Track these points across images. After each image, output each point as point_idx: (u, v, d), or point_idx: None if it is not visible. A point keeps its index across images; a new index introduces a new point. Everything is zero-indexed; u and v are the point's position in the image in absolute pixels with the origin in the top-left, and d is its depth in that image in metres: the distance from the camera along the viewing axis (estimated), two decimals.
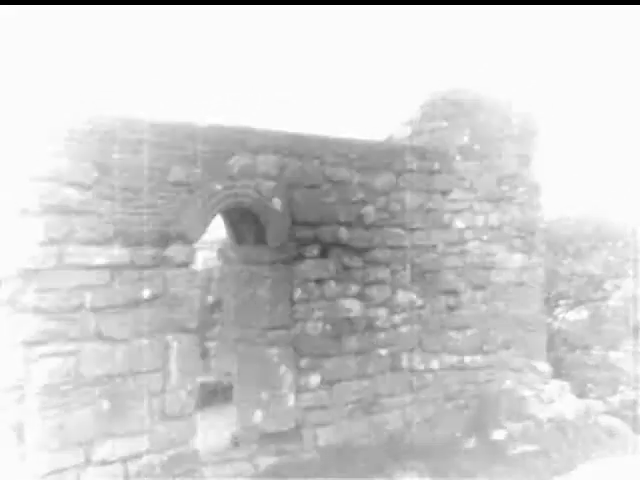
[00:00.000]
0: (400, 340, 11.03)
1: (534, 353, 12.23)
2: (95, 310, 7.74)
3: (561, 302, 17.40)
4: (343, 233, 10.32)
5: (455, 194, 11.81)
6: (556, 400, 11.62)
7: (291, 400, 9.71)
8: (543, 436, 10.95)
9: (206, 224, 8.90)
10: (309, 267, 9.95)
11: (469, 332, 11.78)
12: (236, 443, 9.71)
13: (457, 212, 11.80)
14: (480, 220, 11.95)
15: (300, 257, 9.89)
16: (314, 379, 9.99)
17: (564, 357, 15.85)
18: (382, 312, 10.81)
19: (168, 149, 8.40)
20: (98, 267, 7.76)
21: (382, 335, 10.80)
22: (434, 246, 11.55)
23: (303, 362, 9.88)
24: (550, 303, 16.55)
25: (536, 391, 11.65)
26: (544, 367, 12.17)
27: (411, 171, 11.29)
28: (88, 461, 7.66)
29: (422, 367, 11.30)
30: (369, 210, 10.67)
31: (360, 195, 10.58)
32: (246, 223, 9.65)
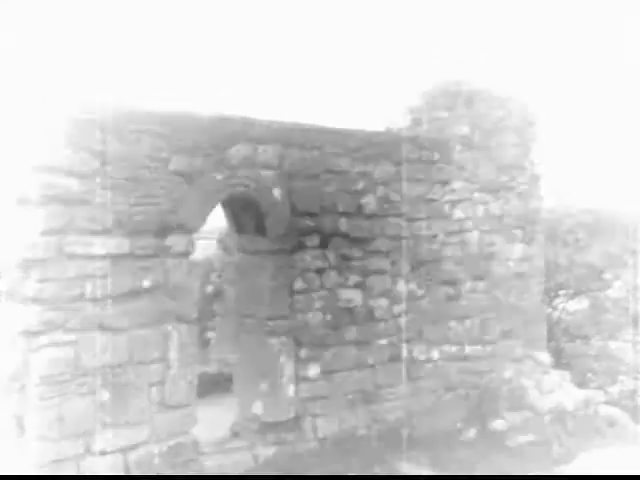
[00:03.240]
0: (400, 330, 11.04)
1: (534, 343, 12.24)
2: (95, 300, 7.73)
3: (561, 292, 17.40)
4: (343, 223, 10.32)
5: (455, 184, 11.80)
6: (556, 390, 11.63)
7: (291, 390, 9.72)
8: (543, 426, 10.96)
9: (206, 214, 8.89)
10: (309, 257, 9.95)
11: (469, 322, 11.79)
12: (236, 433, 9.72)
13: (457, 202, 11.79)
14: (480, 210, 11.94)
15: (300, 247, 9.89)
16: (314, 369, 9.99)
17: (564, 347, 15.88)
18: (382, 302, 10.82)
19: (168, 139, 8.39)
20: (98, 257, 7.75)
21: (382, 325, 10.81)
22: (434, 236, 11.54)
23: (303, 352, 9.88)
24: (550, 293, 16.54)
25: (536, 381, 11.66)
26: (544, 357, 12.18)
27: (411, 161, 11.27)
28: (88, 451, 7.67)
29: (422, 357, 11.30)
30: (369, 200, 10.66)
31: (360, 185, 10.57)
32: (246, 213, 9.65)
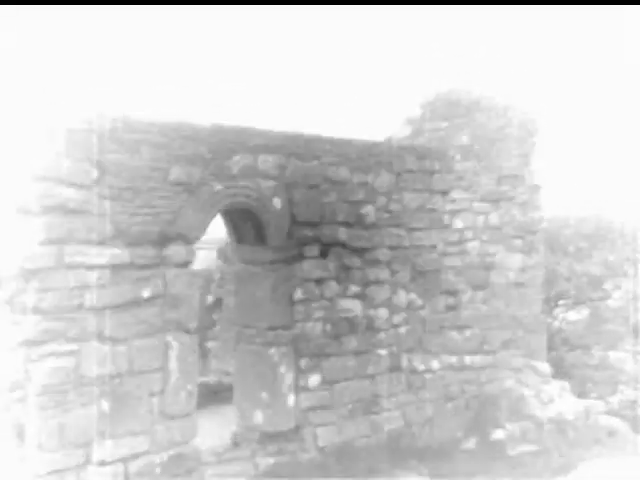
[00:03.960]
0: (400, 340, 11.04)
1: (534, 353, 12.22)
2: (95, 310, 7.73)
3: (561, 302, 17.40)
4: (343, 233, 10.32)
5: (455, 194, 11.82)
6: (556, 400, 11.63)
7: (291, 400, 9.71)
8: (543, 436, 10.96)
9: (206, 224, 8.89)
10: (309, 267, 9.95)
11: (469, 332, 11.79)
12: (236, 443, 9.71)
13: (457, 212, 11.80)
14: (480, 220, 11.95)
15: (300, 257, 9.89)
16: (314, 379, 9.99)
17: (564, 357, 15.86)
18: (382, 312, 10.82)
19: (168, 149, 8.39)
20: (98, 267, 7.75)
21: (382, 335, 10.81)
22: (434, 246, 11.56)
23: (303, 362, 9.88)
24: (550, 303, 16.55)
25: (536, 391, 11.65)
26: (544, 367, 12.16)
27: (411, 171, 11.30)
28: (88, 461, 7.65)
29: (422, 367, 11.30)
30: (369, 210, 10.68)
31: (360, 195, 10.58)
32: (246, 223, 9.65)
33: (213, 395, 12.14)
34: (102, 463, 7.74)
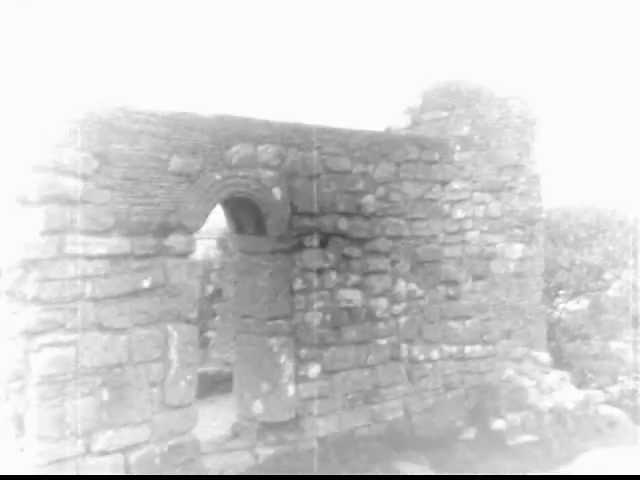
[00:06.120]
0: (400, 330, 11.04)
1: (534, 343, 12.24)
2: (95, 300, 7.71)
3: (561, 292, 17.41)
4: (343, 223, 10.31)
5: (455, 184, 11.80)
6: (556, 390, 11.64)
7: (291, 390, 9.71)
8: (543, 426, 10.97)
9: (206, 214, 8.87)
10: (309, 257, 9.94)
11: (469, 322, 11.79)
12: (236, 433, 9.72)
13: (457, 202, 11.81)
14: (480, 210, 11.96)
15: (300, 247, 9.88)
16: (314, 369, 9.99)
17: (564, 347, 15.87)
18: (382, 302, 10.81)
19: (168, 139, 8.37)
20: (98, 257, 7.74)
21: (382, 325, 10.81)
22: (434, 236, 11.54)
23: (303, 352, 9.87)
24: (550, 293, 16.56)
25: (536, 381, 11.66)
26: (544, 357, 12.18)
27: (411, 161, 11.28)
28: (88, 451, 7.64)
29: (422, 357, 11.30)
30: (369, 200, 10.66)
31: (360, 185, 10.57)
32: (246, 213, 9.64)
33: (213, 385, 12.15)
34: (102, 453, 7.74)
